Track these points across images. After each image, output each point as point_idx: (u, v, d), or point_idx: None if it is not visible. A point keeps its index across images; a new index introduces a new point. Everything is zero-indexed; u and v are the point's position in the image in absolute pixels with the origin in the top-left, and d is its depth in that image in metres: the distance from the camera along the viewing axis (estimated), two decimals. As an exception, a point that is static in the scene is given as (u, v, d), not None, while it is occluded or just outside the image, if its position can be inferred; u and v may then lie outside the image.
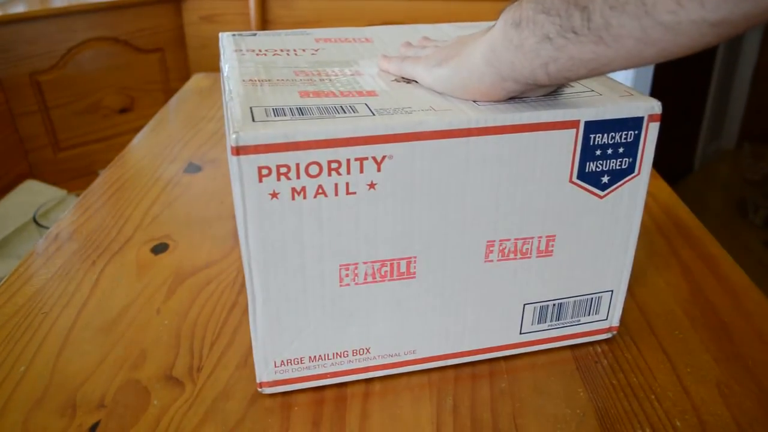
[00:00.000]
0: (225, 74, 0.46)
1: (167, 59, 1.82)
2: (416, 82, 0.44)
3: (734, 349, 0.50)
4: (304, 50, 0.52)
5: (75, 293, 0.56)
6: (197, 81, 1.16)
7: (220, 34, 0.56)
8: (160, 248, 0.62)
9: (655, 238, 0.65)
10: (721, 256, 0.61)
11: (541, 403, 0.44)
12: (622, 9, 0.30)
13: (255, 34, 0.56)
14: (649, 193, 0.73)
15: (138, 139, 0.89)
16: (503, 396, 0.45)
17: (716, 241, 0.64)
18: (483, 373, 0.47)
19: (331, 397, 0.45)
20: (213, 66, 1.80)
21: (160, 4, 1.77)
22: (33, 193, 1.41)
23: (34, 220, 1.19)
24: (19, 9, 1.52)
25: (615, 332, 0.50)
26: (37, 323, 0.52)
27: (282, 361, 0.44)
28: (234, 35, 0.56)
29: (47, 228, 1.07)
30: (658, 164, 0.80)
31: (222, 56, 0.51)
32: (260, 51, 0.51)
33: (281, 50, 0.52)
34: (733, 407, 0.44)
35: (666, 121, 0.44)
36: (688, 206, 0.71)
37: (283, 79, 0.45)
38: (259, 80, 0.44)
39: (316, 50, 0.52)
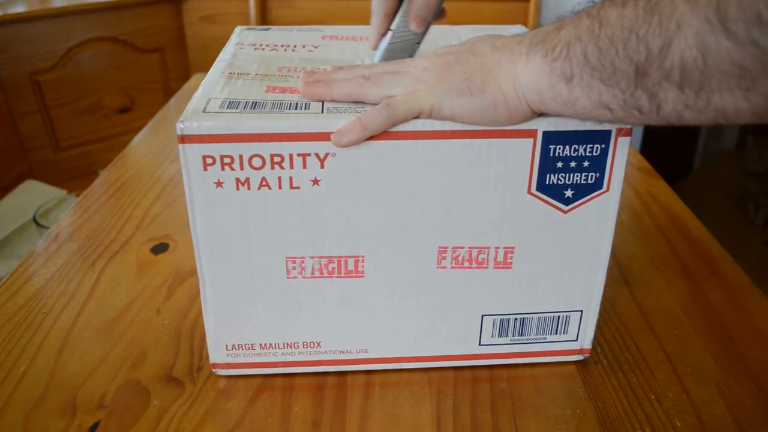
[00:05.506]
0: (213, 66, 0.47)
1: (167, 59, 1.82)
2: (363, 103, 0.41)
3: (734, 349, 0.50)
4: (303, 46, 0.52)
5: (75, 293, 0.56)
6: (197, 81, 1.16)
7: (237, 28, 0.57)
8: (160, 248, 0.62)
9: (655, 238, 0.65)
10: (721, 256, 0.61)
11: (541, 403, 0.44)
12: (699, 112, 0.29)
13: (268, 29, 0.56)
14: (649, 193, 0.73)
15: (138, 139, 0.89)
16: (503, 396, 0.45)
17: (716, 241, 0.64)
18: (483, 373, 0.47)
19: (332, 397, 0.45)
20: (213, 66, 1.79)
21: (160, 4, 1.77)
22: (33, 193, 1.40)
23: (34, 220, 1.19)
24: (19, 9, 1.52)
25: (587, 355, 0.48)
26: (37, 323, 0.52)
27: (233, 345, 0.45)
28: (249, 29, 0.56)
29: (47, 228, 1.07)
30: (658, 164, 0.80)
31: (223, 49, 0.51)
32: (260, 45, 0.51)
33: (281, 45, 0.52)
34: (733, 407, 0.44)
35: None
36: (688, 206, 0.71)
37: (262, 74, 0.45)
38: (238, 74, 0.45)
39: (316, 47, 0.52)
